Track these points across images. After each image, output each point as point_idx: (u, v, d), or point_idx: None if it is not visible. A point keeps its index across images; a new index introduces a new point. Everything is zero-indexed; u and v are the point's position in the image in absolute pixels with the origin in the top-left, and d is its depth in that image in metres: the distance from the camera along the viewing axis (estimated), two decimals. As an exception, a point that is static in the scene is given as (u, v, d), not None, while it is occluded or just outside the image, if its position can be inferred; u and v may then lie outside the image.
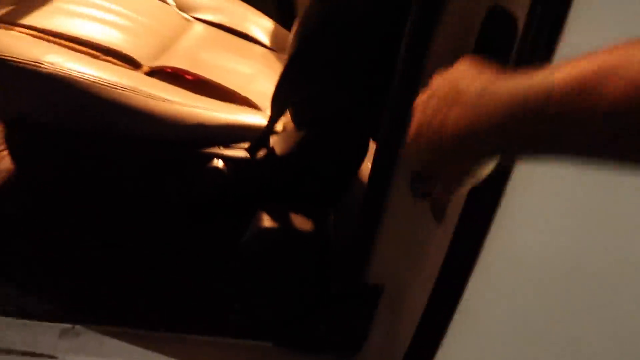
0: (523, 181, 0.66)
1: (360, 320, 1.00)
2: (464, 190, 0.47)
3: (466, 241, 0.72)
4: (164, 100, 1.05)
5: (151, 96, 1.05)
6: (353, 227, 0.93)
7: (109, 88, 1.03)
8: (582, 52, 0.33)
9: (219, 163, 1.03)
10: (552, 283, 0.75)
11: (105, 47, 1.17)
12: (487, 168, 0.44)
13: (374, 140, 1.06)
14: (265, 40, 1.54)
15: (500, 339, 0.84)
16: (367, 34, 0.88)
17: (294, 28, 0.95)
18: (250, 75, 1.29)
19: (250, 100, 1.18)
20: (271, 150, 1.06)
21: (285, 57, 1.48)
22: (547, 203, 0.68)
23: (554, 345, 0.84)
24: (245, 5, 1.65)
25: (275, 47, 1.53)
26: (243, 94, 1.18)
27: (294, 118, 1.06)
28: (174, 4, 1.51)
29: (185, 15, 1.49)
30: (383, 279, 0.97)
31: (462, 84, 0.40)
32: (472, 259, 0.73)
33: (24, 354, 0.97)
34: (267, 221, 1.00)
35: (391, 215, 0.89)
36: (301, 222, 1.02)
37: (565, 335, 0.84)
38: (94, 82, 1.02)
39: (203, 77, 1.19)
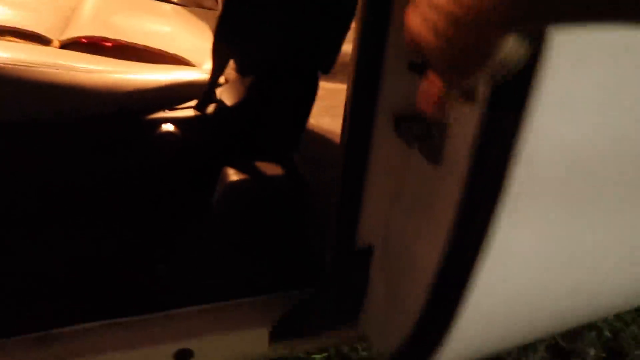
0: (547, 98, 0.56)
1: (353, 289, 0.95)
2: (486, 84, 0.41)
3: (485, 182, 0.61)
4: (92, 71, 0.96)
5: (75, 69, 0.95)
6: (335, 187, 0.86)
7: (24, 68, 0.92)
8: None
9: (168, 127, 0.97)
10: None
11: (4, 27, 1.04)
12: (515, 51, 0.38)
13: (323, 73, 1.04)
14: (173, -5, 1.44)
15: (533, 271, 0.75)
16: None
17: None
18: (170, 34, 1.21)
19: (181, 57, 1.11)
20: (220, 104, 1.01)
21: (201, 8, 1.41)
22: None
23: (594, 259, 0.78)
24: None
25: (183, 2, 1.44)
26: (172, 52, 1.11)
27: (238, 66, 1.01)
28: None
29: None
30: (373, 239, 0.89)
31: None
32: (492, 202, 0.61)
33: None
34: (233, 175, 0.97)
35: (377, 165, 0.80)
36: (268, 168, 0.99)
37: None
38: (6, 65, 0.91)
39: (124, 41, 1.10)
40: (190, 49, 1.15)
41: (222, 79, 1.06)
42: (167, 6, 1.40)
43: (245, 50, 0.98)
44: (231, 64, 1.04)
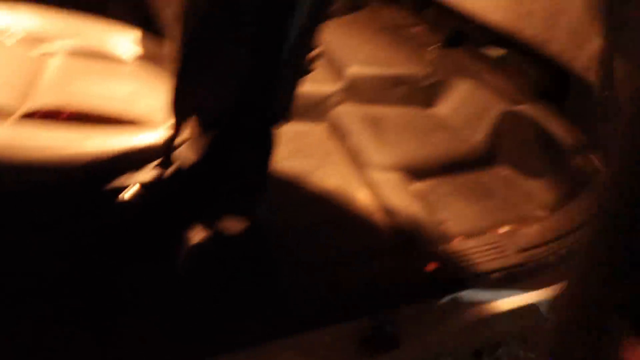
0: None
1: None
2: None
3: None
4: (49, 148, 0.97)
5: (31, 148, 0.96)
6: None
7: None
8: None
9: (132, 192, 0.98)
10: None
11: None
12: None
13: (282, 120, 1.06)
14: (135, 53, 1.46)
15: None
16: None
17: (175, 29, 0.91)
18: (131, 95, 1.22)
19: (142, 119, 1.12)
20: (184, 162, 1.02)
21: (163, 65, 1.42)
22: None
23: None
24: (104, 20, 1.54)
25: (147, 58, 1.46)
26: (131, 114, 1.12)
27: (199, 121, 1.02)
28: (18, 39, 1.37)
29: (34, 52, 1.37)
30: None
31: None
32: None
33: None
34: (198, 236, 0.97)
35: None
36: (232, 225, 0.99)
37: None
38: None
39: (82, 111, 1.11)
40: (152, 106, 1.16)
41: (185, 136, 1.07)
42: (131, 65, 1.41)
43: (204, 103, 1.00)
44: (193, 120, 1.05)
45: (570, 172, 1.48)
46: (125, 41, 1.45)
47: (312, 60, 2.13)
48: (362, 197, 1.53)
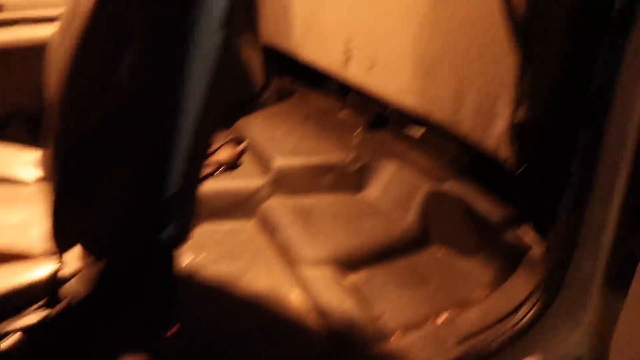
0: None
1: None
2: None
3: None
4: None
5: None
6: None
7: None
8: None
9: (11, 340, 0.87)
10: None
11: None
12: None
13: (183, 239, 0.98)
14: (36, 174, 1.38)
15: None
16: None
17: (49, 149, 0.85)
18: (23, 222, 1.13)
19: (31, 251, 1.03)
20: (73, 297, 0.93)
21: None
22: None
23: None
24: (3, 143, 1.47)
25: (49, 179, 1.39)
26: (20, 246, 1.03)
27: (86, 250, 0.94)
28: None
29: None
30: None
31: None
32: None
33: None
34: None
35: None
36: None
37: None
38: None
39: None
40: (45, 234, 1.07)
41: (76, 265, 0.98)
42: (29, 188, 1.34)
43: (89, 232, 0.92)
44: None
45: (502, 247, 1.45)
46: (25, 163, 1.38)
47: (239, 156, 2.10)
48: (294, 297, 1.45)
